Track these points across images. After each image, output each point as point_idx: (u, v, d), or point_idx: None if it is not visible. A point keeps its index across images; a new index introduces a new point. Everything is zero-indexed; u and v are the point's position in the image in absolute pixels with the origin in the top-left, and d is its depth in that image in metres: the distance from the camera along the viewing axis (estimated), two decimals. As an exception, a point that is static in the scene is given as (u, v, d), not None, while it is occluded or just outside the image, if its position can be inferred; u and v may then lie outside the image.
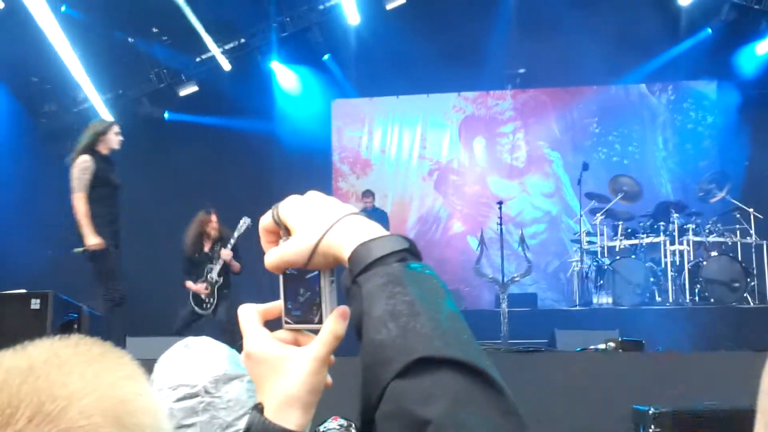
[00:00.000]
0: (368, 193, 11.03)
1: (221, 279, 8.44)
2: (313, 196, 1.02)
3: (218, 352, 1.86)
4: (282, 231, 1.02)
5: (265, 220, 1.03)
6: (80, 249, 7.01)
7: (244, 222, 8.28)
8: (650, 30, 11.64)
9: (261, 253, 1.02)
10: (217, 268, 8.44)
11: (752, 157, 11.20)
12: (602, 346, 6.62)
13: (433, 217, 12.53)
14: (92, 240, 6.92)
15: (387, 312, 0.88)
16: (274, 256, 1.00)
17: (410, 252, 0.93)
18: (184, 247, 8.61)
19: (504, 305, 8.25)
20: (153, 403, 0.79)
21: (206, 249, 8.61)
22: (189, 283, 8.52)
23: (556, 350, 7.14)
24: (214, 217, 8.61)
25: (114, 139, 7.32)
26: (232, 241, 8.36)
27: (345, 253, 0.94)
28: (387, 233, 0.95)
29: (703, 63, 11.86)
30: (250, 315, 1.04)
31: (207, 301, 8.46)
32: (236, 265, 8.51)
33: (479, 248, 9.70)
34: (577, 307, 9.92)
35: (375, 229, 0.95)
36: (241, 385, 1.83)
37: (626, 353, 6.63)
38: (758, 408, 0.60)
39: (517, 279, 8.92)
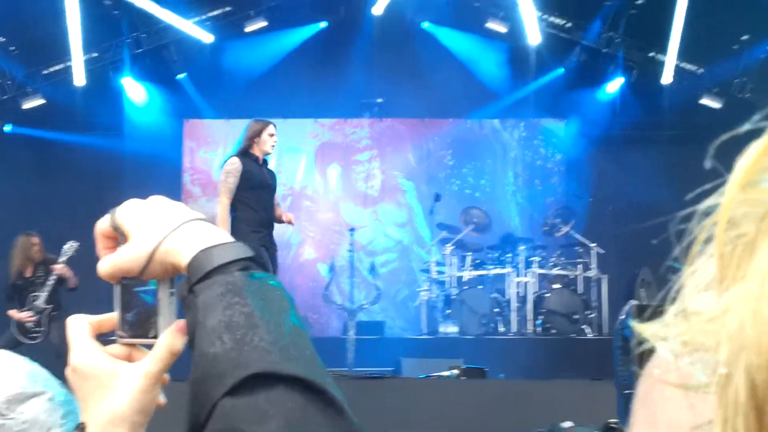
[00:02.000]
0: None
1: (49, 306, 7.99)
2: (156, 200, 0.93)
3: (15, 367, 1.65)
4: (120, 236, 0.92)
5: (102, 225, 0.94)
6: None
7: (71, 246, 7.92)
8: (505, 68, 12.00)
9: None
10: (43, 295, 7.97)
11: (596, 195, 11.64)
12: (446, 373, 6.67)
13: (285, 243, 12.32)
14: None
15: (222, 323, 0.79)
16: (108, 263, 0.91)
17: (255, 261, 0.85)
18: (8, 273, 8.12)
19: (351, 332, 8.20)
20: None
21: (28, 274, 8.15)
22: (12, 312, 8.03)
23: (401, 377, 7.13)
24: (36, 239, 8.17)
25: (268, 141, 6.83)
26: (63, 259, 7.95)
27: (184, 260, 0.86)
28: (231, 240, 0.86)
29: (553, 101, 12.33)
30: (79, 326, 0.95)
31: (35, 330, 7.97)
32: (73, 280, 8.09)
33: (329, 275, 9.64)
34: (424, 336, 9.97)
35: (219, 236, 0.87)
36: (41, 404, 1.62)
37: (469, 380, 6.71)
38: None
39: (365, 306, 8.90)
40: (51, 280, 7.98)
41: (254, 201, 6.73)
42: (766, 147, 0.43)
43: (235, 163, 6.69)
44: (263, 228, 6.78)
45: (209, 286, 0.82)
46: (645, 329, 0.48)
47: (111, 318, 0.96)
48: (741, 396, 0.40)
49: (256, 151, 6.84)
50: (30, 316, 7.94)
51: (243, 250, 0.86)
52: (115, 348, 0.95)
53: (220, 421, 0.75)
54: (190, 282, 0.84)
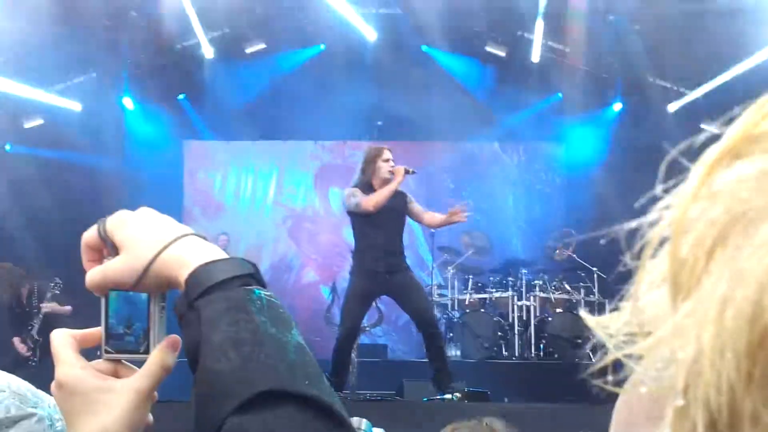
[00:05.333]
0: (221, 237, 10.75)
1: (40, 339, 7.97)
2: (146, 212, 0.91)
3: (2, 391, 1.60)
4: (108, 248, 0.90)
5: (89, 235, 0.91)
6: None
7: (55, 285, 7.96)
8: (505, 91, 12.03)
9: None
10: (36, 326, 7.97)
11: (597, 219, 11.62)
12: (448, 396, 6.63)
13: (286, 265, 12.33)
14: None
15: (228, 339, 0.77)
16: (98, 274, 0.89)
17: (254, 278, 0.84)
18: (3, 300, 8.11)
19: (353, 355, 8.14)
20: None
21: (24, 301, 8.15)
22: (15, 340, 8.02)
23: (403, 400, 7.10)
24: (22, 271, 8.17)
25: (383, 168, 6.58)
26: (48, 297, 7.97)
27: (182, 275, 0.84)
28: (229, 256, 0.85)
29: (552, 125, 12.37)
30: (63, 341, 0.91)
31: (30, 359, 7.96)
32: (65, 309, 8.07)
33: (331, 297, 9.59)
34: (426, 359, 9.90)
35: (216, 251, 0.86)
36: (29, 427, 1.58)
37: (471, 403, 6.67)
38: None
39: (367, 329, 8.86)
40: (41, 315, 7.99)
41: (366, 229, 6.68)
42: (723, 150, 0.42)
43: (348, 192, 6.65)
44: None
45: (212, 301, 0.81)
46: (592, 320, 0.48)
47: (96, 332, 0.94)
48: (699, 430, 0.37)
49: (375, 183, 6.66)
50: (24, 348, 7.95)
51: (243, 266, 0.85)
52: (101, 364, 0.92)
53: None
54: (189, 297, 0.83)
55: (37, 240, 9.88)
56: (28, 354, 7.97)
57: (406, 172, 6.69)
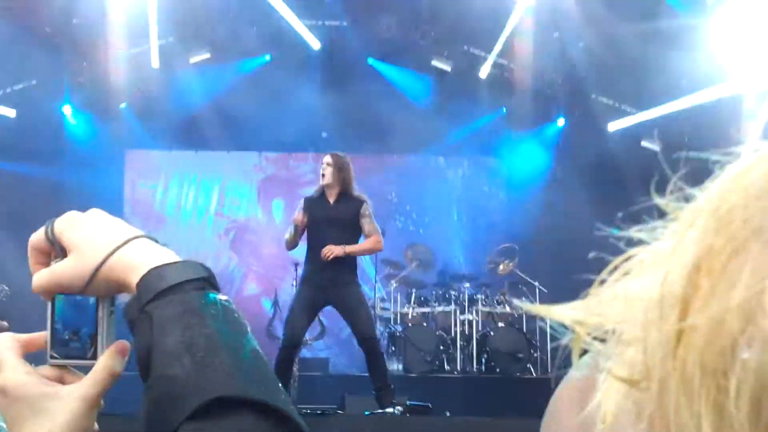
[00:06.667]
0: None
1: None
2: (96, 213, 0.89)
3: None
4: (55, 251, 0.87)
5: (36, 237, 0.88)
6: None
7: (1, 290, 7.73)
8: (450, 106, 12.09)
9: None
10: None
11: (538, 232, 11.73)
12: (390, 410, 6.62)
13: (227, 277, 12.19)
14: None
15: (182, 344, 0.74)
16: (45, 277, 0.85)
17: (209, 282, 0.81)
18: None
19: (295, 369, 8.07)
20: None
21: None
22: None
23: (345, 414, 7.07)
24: None
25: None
26: None
27: (133, 278, 0.81)
28: (182, 259, 0.82)
29: (496, 140, 12.49)
30: (7, 345, 0.88)
31: None
32: (4, 324, 7.84)
33: (273, 310, 9.51)
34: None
35: (168, 255, 0.83)
36: None
37: (413, 417, 6.67)
38: None
39: (309, 342, 8.80)
40: None
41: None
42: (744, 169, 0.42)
43: None
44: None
45: (164, 305, 0.78)
46: (558, 312, 0.46)
47: (41, 337, 0.90)
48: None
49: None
50: None
51: (198, 270, 0.82)
52: (46, 370, 0.89)
53: None
54: (141, 301, 0.79)
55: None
56: None
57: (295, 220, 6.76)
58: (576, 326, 0.44)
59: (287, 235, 6.65)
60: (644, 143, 11.68)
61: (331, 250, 6.36)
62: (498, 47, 11.31)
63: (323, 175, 6.70)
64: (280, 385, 0.78)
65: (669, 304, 0.39)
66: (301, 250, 6.92)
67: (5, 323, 7.77)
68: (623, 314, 0.42)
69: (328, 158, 6.80)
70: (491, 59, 11.63)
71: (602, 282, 0.45)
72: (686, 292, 0.39)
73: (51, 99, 11.64)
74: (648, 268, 0.43)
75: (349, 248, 6.50)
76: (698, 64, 9.59)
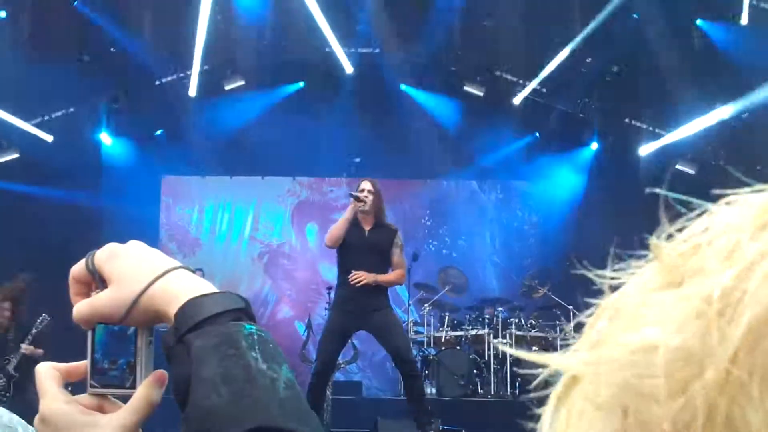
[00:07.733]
0: (197, 273, 10.64)
1: (17, 375, 7.83)
2: (135, 245, 0.90)
3: None
4: (96, 282, 0.89)
5: (77, 269, 0.90)
6: None
7: (43, 320, 7.82)
8: (482, 130, 12.11)
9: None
10: (14, 361, 7.84)
11: (573, 257, 11.66)
12: (428, 433, 6.59)
13: (261, 301, 12.26)
14: None
15: (219, 375, 0.76)
16: (85, 307, 0.87)
17: (245, 312, 0.83)
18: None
19: (328, 392, 8.07)
20: None
21: (4, 331, 8.01)
22: None
23: (378, 438, 7.05)
24: (6, 304, 8.03)
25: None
26: (30, 337, 7.84)
27: (172, 309, 0.83)
28: (220, 290, 0.84)
29: (530, 164, 12.46)
30: (48, 374, 0.89)
31: (2, 393, 7.80)
32: (39, 352, 7.94)
33: (306, 333, 9.53)
34: (402, 397, 9.83)
35: (206, 285, 0.85)
36: None
37: (447, 442, 6.63)
38: None
39: (342, 366, 8.80)
40: (20, 354, 7.85)
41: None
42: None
43: None
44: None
45: (202, 336, 0.80)
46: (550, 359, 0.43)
47: (81, 366, 0.92)
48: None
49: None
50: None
51: (234, 301, 0.84)
52: (86, 398, 0.90)
53: None
54: (179, 331, 0.81)
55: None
56: (1, 383, 7.80)
57: (350, 195, 6.61)
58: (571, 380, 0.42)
59: (335, 231, 6.38)
60: (679, 166, 11.59)
61: (360, 277, 6.30)
62: (540, 77, 11.34)
63: (363, 202, 6.44)
64: (315, 415, 0.79)
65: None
66: (331, 275, 6.91)
67: (40, 351, 7.86)
68: (637, 364, 0.37)
69: (368, 185, 6.55)
70: (531, 87, 11.64)
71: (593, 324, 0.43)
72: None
73: (88, 126, 11.84)
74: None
75: (382, 278, 6.41)
76: (728, 81, 9.57)
